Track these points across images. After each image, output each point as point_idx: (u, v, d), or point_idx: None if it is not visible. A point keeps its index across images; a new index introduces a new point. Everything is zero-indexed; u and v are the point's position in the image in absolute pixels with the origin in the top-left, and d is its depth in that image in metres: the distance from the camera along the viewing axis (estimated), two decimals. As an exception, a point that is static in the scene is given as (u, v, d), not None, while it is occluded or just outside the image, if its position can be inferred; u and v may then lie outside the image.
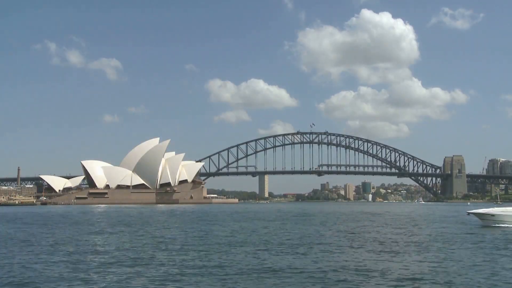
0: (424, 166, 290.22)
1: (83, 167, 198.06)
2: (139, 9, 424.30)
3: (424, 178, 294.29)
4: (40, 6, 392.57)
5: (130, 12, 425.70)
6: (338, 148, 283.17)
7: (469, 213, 45.33)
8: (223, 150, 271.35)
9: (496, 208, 44.28)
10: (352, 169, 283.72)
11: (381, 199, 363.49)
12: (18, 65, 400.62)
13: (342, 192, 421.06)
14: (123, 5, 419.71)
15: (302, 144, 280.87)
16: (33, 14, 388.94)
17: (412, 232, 37.84)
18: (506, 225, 40.95)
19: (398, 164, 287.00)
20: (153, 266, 19.38)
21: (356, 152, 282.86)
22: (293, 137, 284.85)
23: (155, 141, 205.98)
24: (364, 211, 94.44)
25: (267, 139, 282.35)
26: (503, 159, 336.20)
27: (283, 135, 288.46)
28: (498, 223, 41.61)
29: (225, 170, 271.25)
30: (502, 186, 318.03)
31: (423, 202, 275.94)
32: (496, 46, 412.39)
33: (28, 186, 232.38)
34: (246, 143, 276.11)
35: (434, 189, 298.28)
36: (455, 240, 29.87)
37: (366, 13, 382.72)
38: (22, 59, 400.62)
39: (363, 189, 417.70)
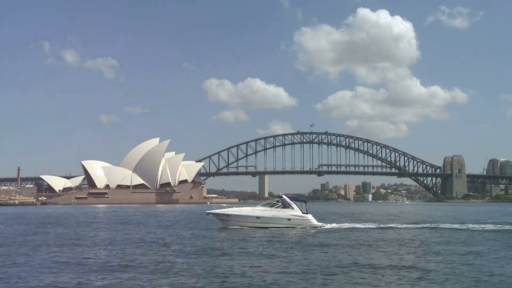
0: (424, 166, 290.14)
1: (83, 167, 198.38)
2: (135, 7, 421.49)
3: (424, 178, 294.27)
4: (33, 5, 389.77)
5: (127, 11, 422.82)
6: (338, 148, 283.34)
7: (208, 213, 42.73)
8: (223, 150, 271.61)
9: (232, 209, 42.53)
10: (352, 169, 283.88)
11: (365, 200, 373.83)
12: (14, 65, 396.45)
13: (342, 192, 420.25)
14: (119, 4, 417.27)
15: (302, 144, 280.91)
16: (26, 13, 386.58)
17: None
18: (241, 226, 39.51)
19: (398, 164, 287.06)
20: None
21: (356, 152, 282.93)
22: (293, 137, 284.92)
23: (155, 141, 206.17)
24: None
25: (267, 139, 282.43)
26: (503, 159, 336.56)
27: (283, 135, 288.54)
28: (233, 224, 39.97)
29: (225, 170, 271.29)
30: (502, 186, 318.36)
31: (407, 202, 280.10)
32: (496, 45, 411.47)
33: (28, 186, 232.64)
34: (246, 143, 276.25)
35: (434, 189, 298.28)
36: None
37: (363, 12, 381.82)
38: (17, 58, 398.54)
39: (363, 189, 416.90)
